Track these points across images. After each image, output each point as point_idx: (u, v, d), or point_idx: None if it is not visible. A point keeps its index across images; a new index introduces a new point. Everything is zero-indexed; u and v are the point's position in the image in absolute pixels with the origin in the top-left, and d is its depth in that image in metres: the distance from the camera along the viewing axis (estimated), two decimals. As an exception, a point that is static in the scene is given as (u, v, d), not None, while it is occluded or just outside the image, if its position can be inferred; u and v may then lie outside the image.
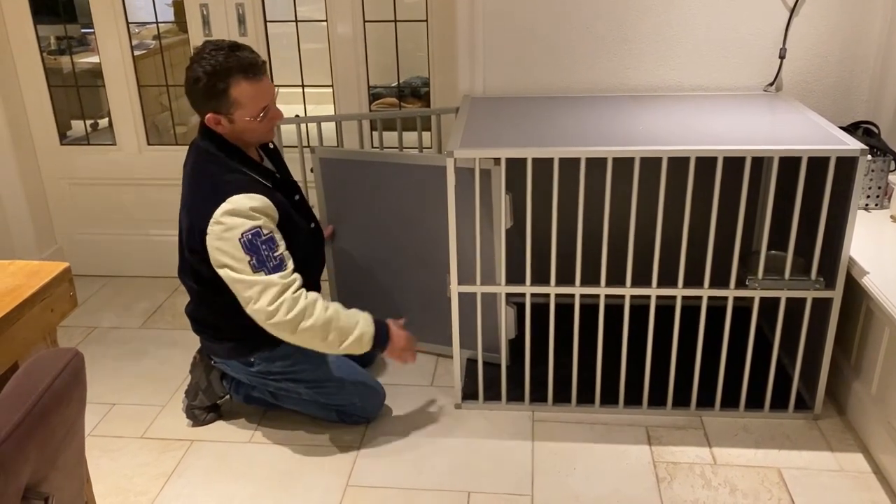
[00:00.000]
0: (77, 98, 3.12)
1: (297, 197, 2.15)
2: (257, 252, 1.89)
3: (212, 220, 1.89)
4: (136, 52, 3.00)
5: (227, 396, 2.33)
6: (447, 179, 2.05)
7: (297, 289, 1.94)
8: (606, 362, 2.39)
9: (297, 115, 2.75)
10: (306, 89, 3.07)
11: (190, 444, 2.23)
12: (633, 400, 2.31)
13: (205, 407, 2.30)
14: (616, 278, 2.30)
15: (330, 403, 2.22)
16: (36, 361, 0.95)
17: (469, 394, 2.37)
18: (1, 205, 3.06)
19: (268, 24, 2.90)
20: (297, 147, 2.65)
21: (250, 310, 1.93)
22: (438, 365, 2.58)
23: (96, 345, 2.78)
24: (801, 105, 2.41)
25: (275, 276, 1.90)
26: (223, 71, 1.88)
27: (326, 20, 2.88)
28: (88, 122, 3.17)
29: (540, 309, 2.60)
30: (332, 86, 2.97)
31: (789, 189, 2.31)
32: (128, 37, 2.96)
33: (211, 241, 1.91)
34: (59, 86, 3.09)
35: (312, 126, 2.88)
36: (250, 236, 1.88)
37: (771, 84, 2.59)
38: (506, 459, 2.12)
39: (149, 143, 3.13)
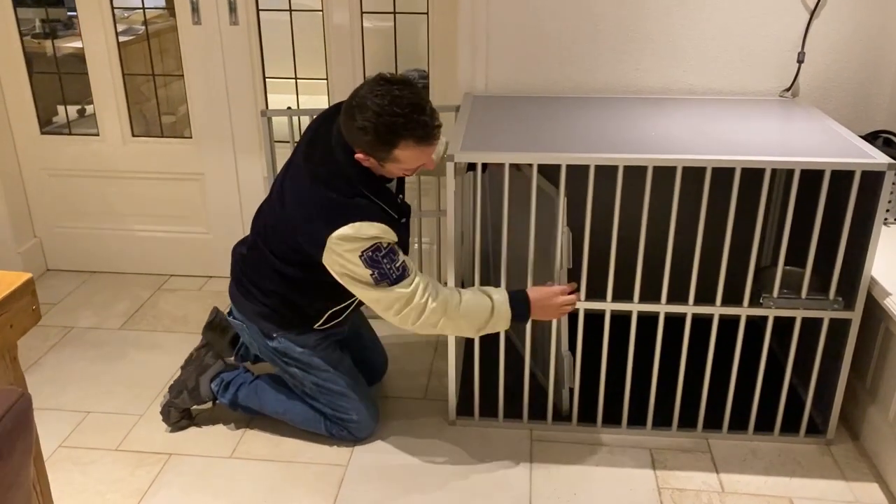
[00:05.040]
0: (60, 84, 2.97)
1: (404, 220, 1.98)
2: (379, 266, 1.82)
3: (330, 240, 1.80)
4: (123, 38, 2.86)
5: (210, 404, 2.20)
6: (447, 184, 1.93)
7: (424, 292, 1.85)
8: (610, 380, 2.27)
9: (288, 108, 2.61)
10: (299, 81, 2.93)
11: (168, 457, 2.10)
12: (637, 420, 2.19)
13: (182, 409, 2.19)
14: (623, 293, 2.18)
15: (326, 409, 2.12)
16: (-25, 404, 0.82)
17: (463, 409, 2.24)
18: (-24, 195, 2.92)
19: (260, 12, 2.76)
20: (288, 142, 2.51)
21: (382, 316, 1.89)
22: (431, 378, 2.46)
23: (72, 346, 2.64)
24: (819, 112, 2.29)
25: (397, 288, 1.83)
26: (397, 134, 1.75)
27: (322, 10, 2.74)
28: (76, 107, 3.01)
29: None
30: (326, 78, 2.83)
31: (803, 201, 2.19)
32: (112, 21, 2.81)
33: (329, 257, 1.83)
34: (42, 72, 2.94)
35: (305, 119, 2.74)
36: (371, 252, 1.81)
37: (788, 89, 2.47)
38: (502, 482, 2.01)
39: (133, 135, 2.98)
